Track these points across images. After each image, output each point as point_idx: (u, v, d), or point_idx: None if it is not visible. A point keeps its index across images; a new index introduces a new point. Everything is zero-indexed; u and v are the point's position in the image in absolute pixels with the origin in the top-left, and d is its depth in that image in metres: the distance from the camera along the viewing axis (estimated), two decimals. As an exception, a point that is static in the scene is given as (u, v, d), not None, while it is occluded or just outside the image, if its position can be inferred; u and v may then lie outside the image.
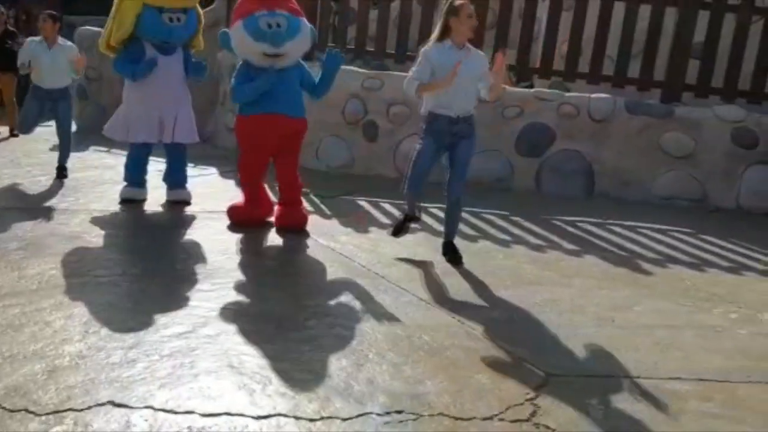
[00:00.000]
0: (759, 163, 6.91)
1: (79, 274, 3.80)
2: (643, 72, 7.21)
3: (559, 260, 4.84)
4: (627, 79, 7.26)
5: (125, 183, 5.48)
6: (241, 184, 5.24)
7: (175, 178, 5.55)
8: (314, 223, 5.33)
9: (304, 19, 4.97)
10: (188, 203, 5.49)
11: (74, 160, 7.06)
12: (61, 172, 6.22)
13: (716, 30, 6.98)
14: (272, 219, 5.10)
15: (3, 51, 8.64)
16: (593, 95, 7.16)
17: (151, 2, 5.07)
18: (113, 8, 5.24)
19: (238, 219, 4.98)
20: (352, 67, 7.78)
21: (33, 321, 3.16)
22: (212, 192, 6.06)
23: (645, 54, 7.16)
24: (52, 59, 6.19)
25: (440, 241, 5.04)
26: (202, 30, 5.58)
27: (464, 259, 4.65)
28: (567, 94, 7.21)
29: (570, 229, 5.76)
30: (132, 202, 5.38)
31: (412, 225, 4.93)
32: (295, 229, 4.97)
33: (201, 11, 5.59)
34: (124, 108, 5.38)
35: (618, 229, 5.85)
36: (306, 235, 4.94)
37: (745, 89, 7.10)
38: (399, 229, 4.81)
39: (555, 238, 5.40)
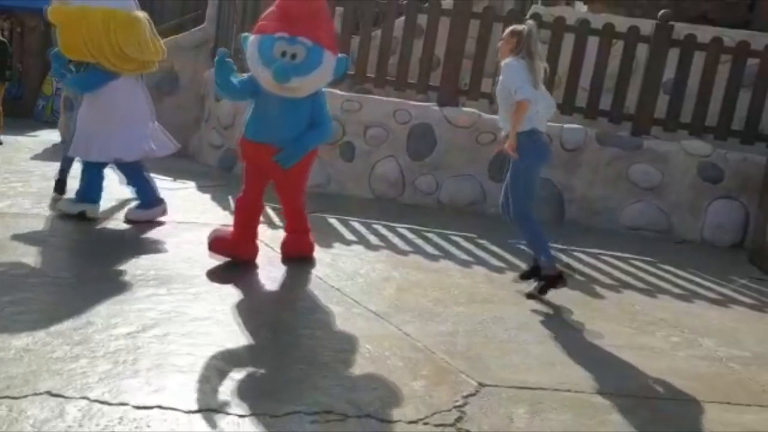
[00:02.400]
0: (723, 197, 7.06)
1: (38, 274, 3.90)
2: (615, 105, 7.39)
3: (516, 281, 4.95)
4: (599, 111, 7.43)
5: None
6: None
7: None
8: (280, 237, 5.44)
9: (328, 51, 4.29)
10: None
11: (55, 169, 7.19)
12: None
13: (686, 67, 7.18)
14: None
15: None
16: (565, 125, 7.33)
17: None
18: None
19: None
20: (331, 89, 7.96)
21: (-15, 316, 3.26)
22: (185, 204, 6.18)
23: (616, 88, 7.35)
24: None
25: (401, 258, 5.19)
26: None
27: (421, 277, 4.77)
28: (540, 123, 7.36)
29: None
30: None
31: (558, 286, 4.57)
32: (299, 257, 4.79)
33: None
34: None
35: (581, 256, 5.97)
36: (272, 251, 5.05)
37: (712, 125, 7.28)
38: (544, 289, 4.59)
39: (516, 261, 5.52)
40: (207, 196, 6.71)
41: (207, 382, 2.87)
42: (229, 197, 6.66)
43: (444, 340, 3.67)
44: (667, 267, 5.87)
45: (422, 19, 7.73)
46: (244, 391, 2.84)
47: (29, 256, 4.22)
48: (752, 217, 6.94)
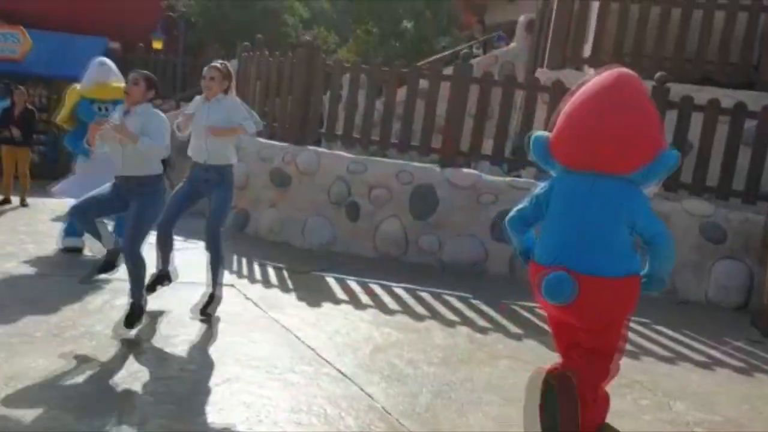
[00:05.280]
0: (727, 257, 7.00)
1: (22, 333, 4.10)
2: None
3: (498, 342, 4.98)
4: (599, 171, 7.48)
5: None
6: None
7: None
8: (271, 296, 5.59)
9: None
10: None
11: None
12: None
13: (684, 129, 7.23)
14: None
15: (24, 127, 9.33)
16: (566, 185, 7.38)
17: (85, 95, 6.39)
18: None
19: None
20: (338, 152, 8.20)
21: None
22: (187, 265, 6.35)
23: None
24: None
25: (387, 318, 5.28)
26: None
27: (401, 337, 4.84)
28: (541, 184, 7.43)
29: (525, 314, 5.89)
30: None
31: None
32: None
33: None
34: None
35: (573, 316, 5.95)
36: (274, 312, 5.17)
37: (713, 185, 7.26)
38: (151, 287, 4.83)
39: (504, 322, 5.54)
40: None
41: (155, 440, 2.99)
42: (234, 256, 6.85)
43: (404, 401, 3.72)
44: (660, 328, 5.81)
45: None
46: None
47: (19, 315, 4.44)
48: (756, 278, 6.85)
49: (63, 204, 8.39)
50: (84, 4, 16.60)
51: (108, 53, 11.76)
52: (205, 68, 4.95)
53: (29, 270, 5.66)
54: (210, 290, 4.91)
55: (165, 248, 4.99)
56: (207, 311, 4.81)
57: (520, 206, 3.55)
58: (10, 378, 3.46)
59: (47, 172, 12.14)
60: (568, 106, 3.41)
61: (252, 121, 4.95)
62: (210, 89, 4.86)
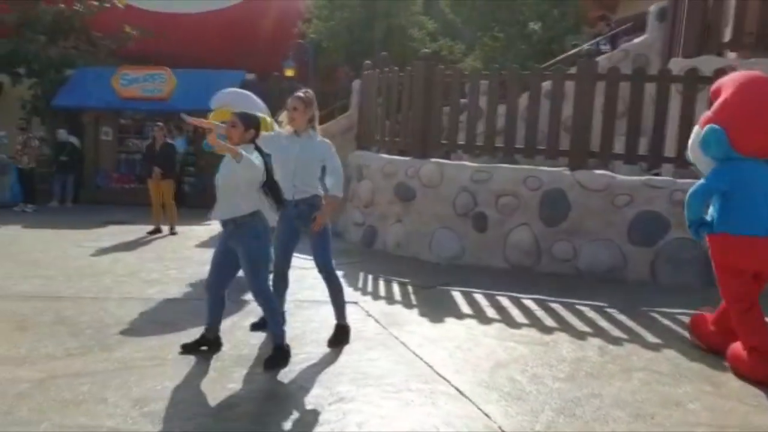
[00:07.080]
0: None
1: (154, 357, 4.30)
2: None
3: (632, 353, 4.64)
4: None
5: None
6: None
7: None
8: (393, 312, 5.55)
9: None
10: None
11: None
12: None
13: None
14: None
15: (164, 160, 9.95)
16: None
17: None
18: None
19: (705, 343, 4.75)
20: (461, 162, 8.07)
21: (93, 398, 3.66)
22: (314, 282, 6.47)
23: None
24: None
25: (512, 331, 5.08)
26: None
27: (526, 351, 4.62)
28: (679, 181, 6.94)
29: (665, 321, 5.47)
30: None
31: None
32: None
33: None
34: None
35: (722, 323, 5.45)
36: (395, 329, 5.13)
37: None
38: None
39: (641, 331, 5.17)
40: (339, 273, 6.93)
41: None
42: (360, 273, 6.89)
43: (523, 420, 3.53)
44: None
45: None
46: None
47: (154, 339, 4.67)
48: None
49: (210, 230, 8.88)
50: (223, 41, 17.60)
51: (245, 85, 12.36)
52: (289, 99, 4.72)
53: (168, 294, 5.96)
54: (337, 322, 4.82)
55: (280, 290, 4.81)
56: (337, 342, 4.70)
57: (710, 185, 4.36)
58: (137, 400, 3.62)
59: (197, 202, 12.93)
60: (751, 103, 4.22)
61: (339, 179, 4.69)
62: (294, 120, 4.63)
